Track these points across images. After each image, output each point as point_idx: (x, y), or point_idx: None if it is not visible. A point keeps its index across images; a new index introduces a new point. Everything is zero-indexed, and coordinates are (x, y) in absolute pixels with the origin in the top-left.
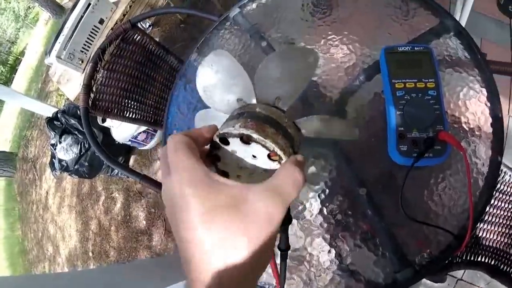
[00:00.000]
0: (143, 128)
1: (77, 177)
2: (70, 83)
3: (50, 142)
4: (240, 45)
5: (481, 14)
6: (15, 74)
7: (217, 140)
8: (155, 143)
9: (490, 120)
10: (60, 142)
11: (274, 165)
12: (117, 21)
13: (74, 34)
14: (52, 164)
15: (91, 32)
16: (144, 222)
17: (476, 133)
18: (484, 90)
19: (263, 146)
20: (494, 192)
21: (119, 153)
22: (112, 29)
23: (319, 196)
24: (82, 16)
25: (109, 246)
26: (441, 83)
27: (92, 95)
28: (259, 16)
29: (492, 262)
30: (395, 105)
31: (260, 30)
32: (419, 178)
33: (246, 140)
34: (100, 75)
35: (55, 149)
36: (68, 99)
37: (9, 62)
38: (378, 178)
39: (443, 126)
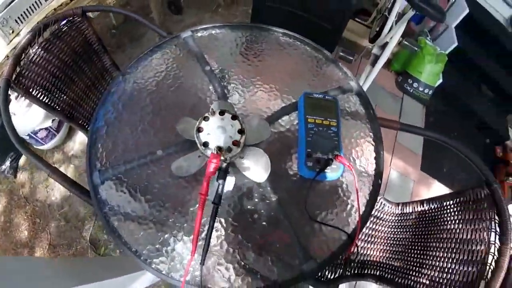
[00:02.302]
0: (47, 125)
1: None
2: None
3: None
4: (185, 64)
5: (380, 87)
6: None
7: None
8: (53, 145)
9: (374, 154)
10: None
11: None
12: (62, 3)
13: (15, 0)
14: None
15: (33, 4)
16: (26, 233)
17: (363, 161)
18: (371, 134)
19: None
20: (376, 219)
21: (11, 147)
22: (55, 9)
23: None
24: None
25: None
26: (341, 124)
27: (18, 69)
28: (207, 43)
29: (378, 273)
30: (306, 133)
31: (205, 55)
32: (322, 190)
33: None
34: (33, 51)
35: None
36: None
37: None
38: (288, 188)
39: (339, 152)
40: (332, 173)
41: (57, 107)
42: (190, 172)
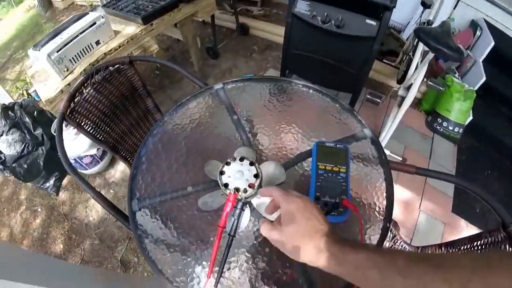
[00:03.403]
0: (92, 152)
1: (10, 175)
2: (46, 84)
3: None
4: (216, 113)
5: (409, 127)
6: None
7: None
8: (96, 171)
9: (384, 198)
10: (6, 134)
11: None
12: (111, 49)
13: (71, 43)
14: None
15: (86, 47)
16: (61, 246)
17: (372, 205)
18: (383, 179)
19: None
20: None
21: (57, 167)
22: (105, 53)
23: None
24: (84, 31)
25: None
26: (350, 170)
27: (72, 105)
28: (235, 94)
29: None
30: (316, 178)
31: (233, 105)
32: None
33: None
34: (86, 91)
35: None
36: (23, 94)
37: None
38: None
39: (346, 196)
40: (338, 215)
41: (103, 139)
42: (213, 208)
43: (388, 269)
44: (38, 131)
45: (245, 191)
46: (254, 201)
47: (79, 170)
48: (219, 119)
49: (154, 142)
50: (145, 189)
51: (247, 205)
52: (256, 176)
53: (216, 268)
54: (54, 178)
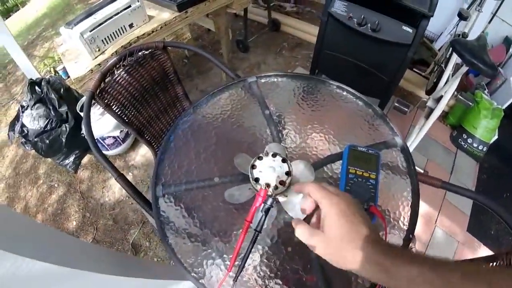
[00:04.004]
0: (115, 134)
1: (31, 149)
2: (77, 62)
3: (21, 103)
4: (248, 106)
5: (433, 140)
6: (5, 19)
7: None
8: (117, 153)
9: (409, 209)
10: (31, 109)
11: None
12: (144, 33)
13: (105, 23)
14: (12, 125)
15: (119, 29)
16: (74, 223)
17: (397, 214)
18: (410, 190)
19: None
20: None
21: (78, 145)
22: (138, 37)
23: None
24: (118, 13)
25: None
26: (380, 176)
27: (102, 85)
28: (269, 89)
29: None
30: (346, 182)
31: (266, 100)
32: None
33: None
34: (118, 72)
35: (23, 112)
36: (50, 71)
37: (7, 4)
38: None
39: (374, 203)
40: None
41: (130, 122)
42: (240, 201)
43: (442, 287)
44: (63, 108)
45: (276, 187)
46: (281, 199)
47: None
48: (250, 112)
49: (183, 129)
50: (171, 175)
51: (275, 202)
52: (287, 173)
53: (237, 263)
54: (74, 155)
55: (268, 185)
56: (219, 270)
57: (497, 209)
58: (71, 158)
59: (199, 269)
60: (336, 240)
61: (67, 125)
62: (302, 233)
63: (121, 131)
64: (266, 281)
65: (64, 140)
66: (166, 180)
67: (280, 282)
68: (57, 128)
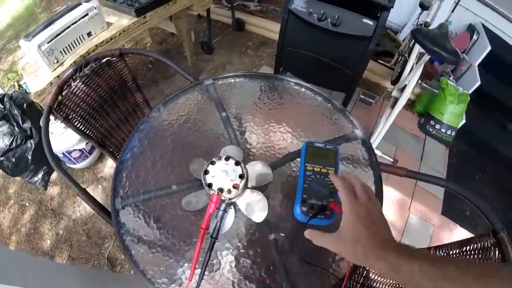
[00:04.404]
0: (81, 146)
1: None
2: (37, 76)
3: None
4: (205, 109)
5: (401, 129)
6: None
7: None
8: (85, 165)
9: None
10: None
11: None
12: (103, 41)
13: (62, 34)
14: None
15: (77, 39)
16: (49, 242)
17: None
18: (372, 182)
19: None
20: None
21: (46, 161)
22: (96, 45)
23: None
24: (76, 22)
25: None
26: (339, 171)
27: (59, 98)
28: (226, 91)
29: None
30: (304, 180)
31: (223, 102)
32: None
33: None
34: (75, 83)
35: None
36: (14, 85)
37: None
38: (284, 230)
39: (334, 199)
40: (325, 219)
41: (91, 134)
42: (197, 208)
43: (438, 279)
44: (27, 124)
45: (229, 191)
46: (240, 202)
47: (68, 165)
48: (207, 116)
49: (140, 138)
50: (129, 186)
51: (232, 206)
52: (241, 176)
53: (198, 270)
54: (42, 172)
55: (221, 190)
56: (182, 279)
57: (463, 192)
58: (40, 175)
59: (163, 279)
60: (350, 242)
61: (32, 141)
62: (319, 241)
63: (86, 143)
64: (231, 286)
65: (30, 157)
66: (125, 192)
67: (245, 286)
68: (22, 145)
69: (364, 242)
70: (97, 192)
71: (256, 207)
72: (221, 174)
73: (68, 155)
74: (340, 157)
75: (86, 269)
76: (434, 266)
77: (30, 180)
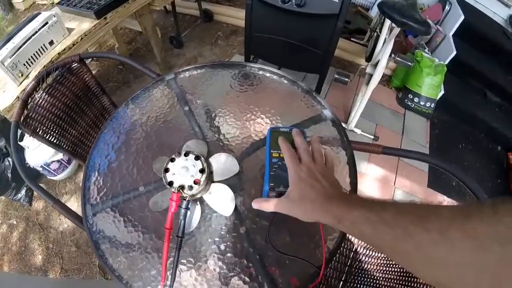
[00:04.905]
0: (58, 157)
1: None
2: (5, 91)
3: None
4: (167, 105)
5: (380, 105)
6: None
7: None
8: (65, 176)
9: (347, 181)
10: None
11: None
12: (65, 48)
13: (24, 46)
14: None
15: (39, 49)
16: (40, 257)
17: None
18: (345, 162)
19: None
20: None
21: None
22: (59, 53)
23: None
24: (36, 32)
25: None
26: None
27: (25, 112)
28: (188, 84)
29: None
30: (270, 167)
31: (186, 96)
32: (288, 222)
33: None
34: (38, 95)
35: None
36: None
37: None
38: (255, 221)
39: None
40: None
41: (62, 144)
42: (163, 208)
43: (378, 222)
44: (1, 142)
45: (190, 188)
46: (207, 197)
47: (48, 177)
48: (170, 111)
49: (105, 142)
50: (98, 192)
51: (197, 202)
52: (202, 171)
53: (171, 271)
54: (25, 188)
55: (182, 187)
56: (157, 281)
57: (444, 166)
58: (23, 192)
59: (138, 283)
60: (298, 201)
61: (9, 159)
62: (269, 207)
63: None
64: (205, 285)
65: (10, 175)
66: (94, 199)
67: (220, 284)
68: (1, 164)
69: (310, 198)
70: (80, 202)
71: (222, 200)
72: (181, 170)
73: (47, 168)
74: (308, 139)
75: (78, 281)
76: (373, 211)
77: (14, 198)
